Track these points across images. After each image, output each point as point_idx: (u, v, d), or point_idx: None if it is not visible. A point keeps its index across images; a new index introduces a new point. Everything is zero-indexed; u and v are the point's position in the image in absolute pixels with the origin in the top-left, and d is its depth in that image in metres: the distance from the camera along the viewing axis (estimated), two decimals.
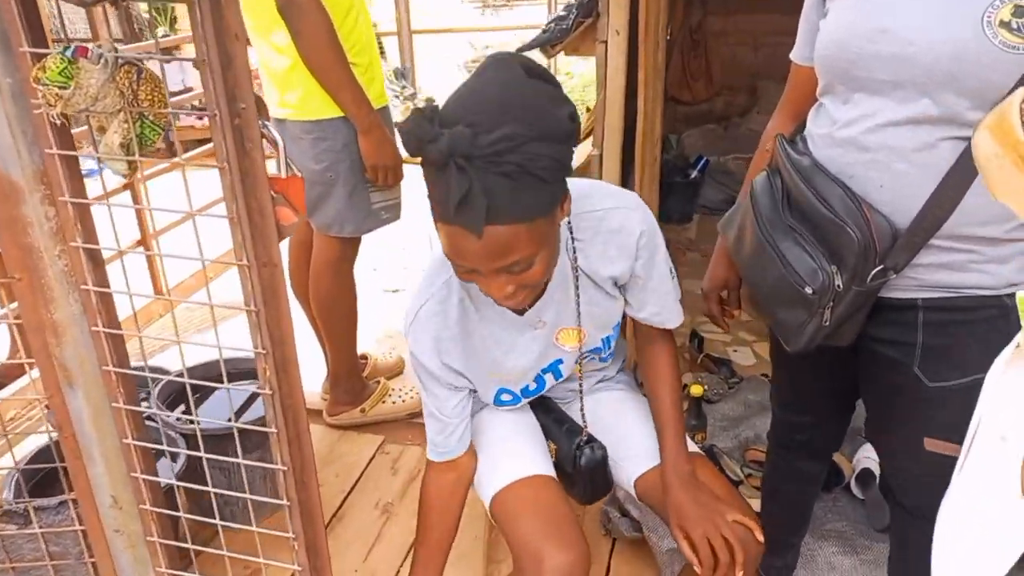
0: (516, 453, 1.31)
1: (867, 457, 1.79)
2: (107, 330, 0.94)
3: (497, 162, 0.89)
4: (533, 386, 1.32)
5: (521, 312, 1.18)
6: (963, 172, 0.98)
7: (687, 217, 3.68)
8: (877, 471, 1.76)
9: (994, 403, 0.79)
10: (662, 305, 1.25)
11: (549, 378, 1.32)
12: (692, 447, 1.32)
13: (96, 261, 0.94)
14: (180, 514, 1.05)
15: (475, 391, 1.29)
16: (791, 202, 1.13)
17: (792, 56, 1.22)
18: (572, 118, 0.95)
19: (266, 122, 0.93)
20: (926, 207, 1.01)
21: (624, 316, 1.32)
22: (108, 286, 0.97)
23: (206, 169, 0.89)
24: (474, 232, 0.91)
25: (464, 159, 0.88)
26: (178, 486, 1.10)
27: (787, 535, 1.52)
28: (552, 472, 1.31)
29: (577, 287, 1.19)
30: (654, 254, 1.21)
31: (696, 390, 1.94)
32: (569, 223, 1.15)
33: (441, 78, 6.47)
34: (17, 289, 0.92)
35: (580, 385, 1.34)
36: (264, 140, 0.90)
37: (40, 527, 1.14)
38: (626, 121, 2.09)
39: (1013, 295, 1.06)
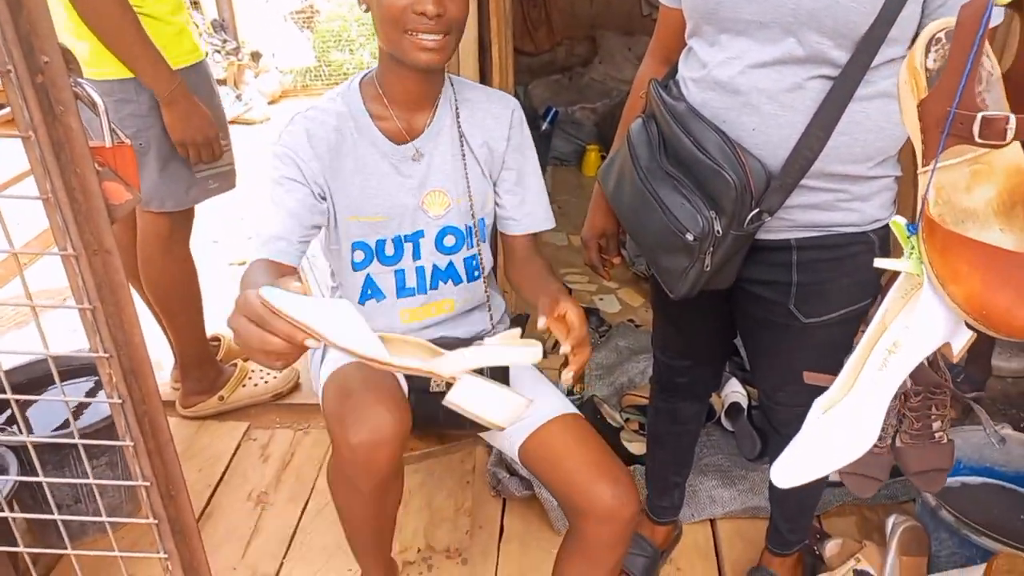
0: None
1: (734, 391, 1.88)
2: None
3: None
4: (391, 250, 1.30)
5: (398, 143, 1.24)
6: (830, 110, 1.00)
7: (542, 168, 3.67)
8: (744, 404, 1.85)
9: (886, 329, 0.82)
10: (536, 203, 1.34)
11: (408, 252, 1.30)
12: (569, 408, 1.29)
13: None
14: (21, 549, 0.89)
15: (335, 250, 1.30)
16: (667, 149, 1.11)
17: None
18: None
19: (80, 80, 0.77)
20: (796, 148, 1.02)
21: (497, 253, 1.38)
22: None
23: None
24: None
25: None
26: (13, 517, 0.93)
27: (672, 475, 1.56)
28: None
29: (463, 149, 1.27)
30: (526, 142, 1.33)
31: None
32: (452, 85, 1.29)
33: (266, 30, 6.01)
34: None
35: (490, 313, 1.37)
36: (79, 101, 0.74)
37: None
38: (483, 75, 2.03)
39: (877, 230, 1.11)
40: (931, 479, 0.92)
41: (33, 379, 1.75)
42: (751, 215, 1.05)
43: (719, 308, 1.28)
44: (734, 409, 1.88)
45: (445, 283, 1.34)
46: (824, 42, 0.98)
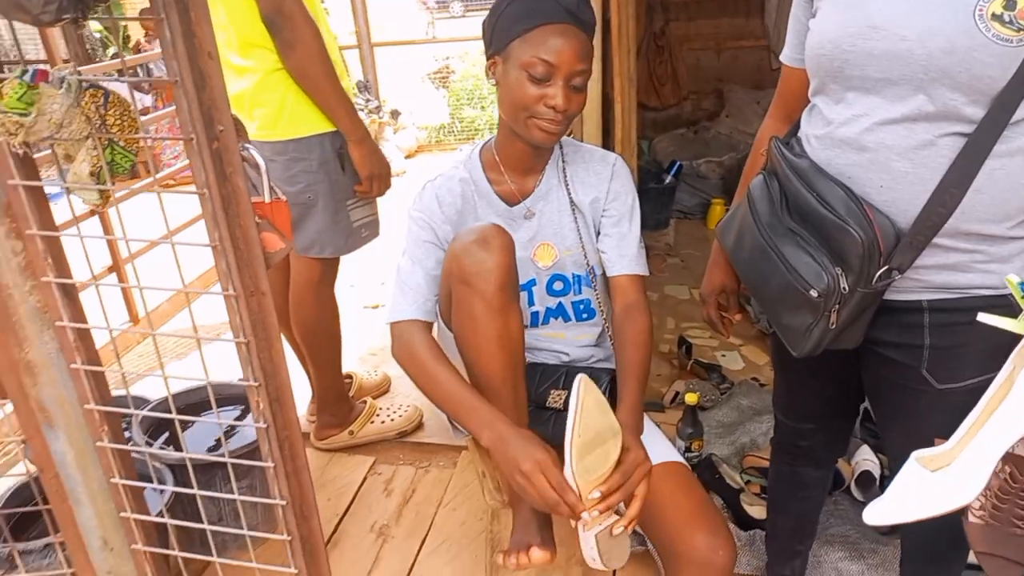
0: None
1: (865, 459, 1.78)
2: (87, 367, 0.89)
3: None
4: None
5: (512, 204, 1.39)
6: (964, 168, 0.97)
7: (664, 223, 3.67)
8: (877, 473, 1.75)
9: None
10: (630, 246, 1.39)
11: (523, 299, 1.41)
12: (675, 456, 1.34)
13: (70, 296, 0.88)
14: (176, 553, 0.99)
15: None
16: (790, 205, 1.11)
17: (782, 58, 1.21)
18: None
19: (247, 144, 0.88)
20: (929, 205, 0.99)
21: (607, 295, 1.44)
22: (84, 320, 0.92)
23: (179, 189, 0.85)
24: (584, 23, 1.23)
25: None
26: (169, 523, 1.04)
27: (793, 543, 1.50)
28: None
29: (572, 206, 1.38)
30: (625, 192, 1.40)
31: (691, 398, 1.92)
32: (562, 148, 1.41)
33: (404, 90, 6.43)
34: None
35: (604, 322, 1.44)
36: (245, 163, 0.85)
37: (27, 571, 1.08)
38: (606, 131, 2.08)
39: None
40: (1003, 567, 0.85)
41: (189, 405, 1.94)
42: (879, 273, 1.02)
43: (845, 370, 1.24)
44: (865, 478, 1.77)
45: (556, 319, 1.44)
46: (957, 98, 0.96)
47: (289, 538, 0.92)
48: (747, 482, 1.87)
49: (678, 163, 3.81)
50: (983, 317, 0.75)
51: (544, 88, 1.22)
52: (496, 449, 1.13)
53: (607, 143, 2.10)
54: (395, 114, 5.97)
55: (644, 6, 4.05)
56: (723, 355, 2.56)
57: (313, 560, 0.95)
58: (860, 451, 1.81)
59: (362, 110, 5.64)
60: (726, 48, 4.39)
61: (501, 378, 1.20)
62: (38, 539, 1.23)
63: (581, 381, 1.10)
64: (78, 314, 0.91)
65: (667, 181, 3.68)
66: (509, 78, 1.24)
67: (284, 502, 0.90)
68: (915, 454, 0.83)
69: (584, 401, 1.09)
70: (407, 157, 5.79)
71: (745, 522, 1.75)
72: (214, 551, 0.95)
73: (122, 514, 0.96)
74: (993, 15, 0.92)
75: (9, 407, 0.93)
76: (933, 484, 0.79)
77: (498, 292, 1.18)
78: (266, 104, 1.78)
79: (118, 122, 0.83)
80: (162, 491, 1.66)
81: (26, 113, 0.75)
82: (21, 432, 0.93)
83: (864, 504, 1.77)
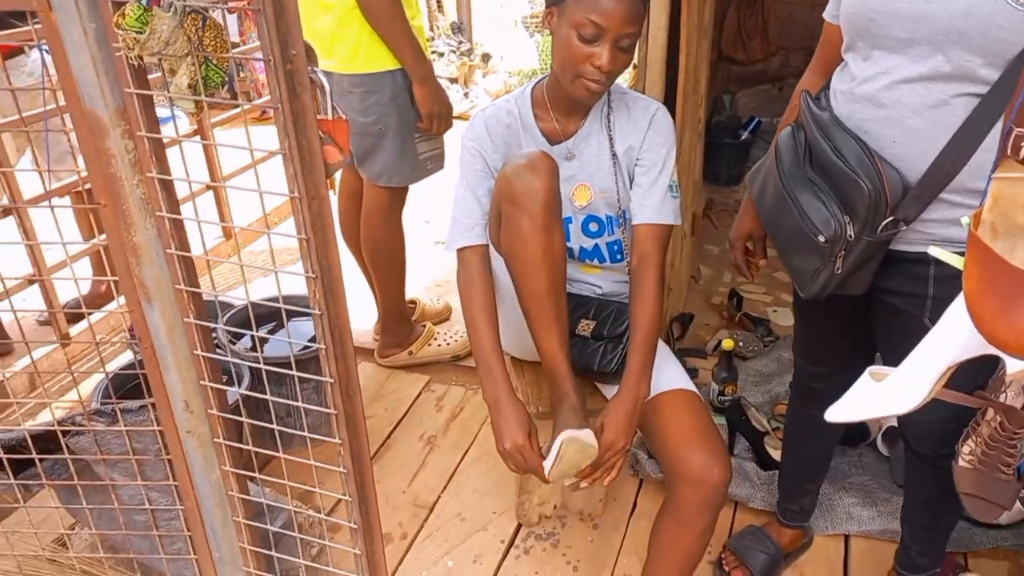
0: None
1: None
2: (179, 253, 1.07)
3: None
4: None
5: (553, 143, 1.45)
6: (975, 128, 1.02)
7: (736, 179, 3.65)
8: None
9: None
10: (654, 196, 1.43)
11: None
12: (684, 384, 1.43)
13: (169, 191, 1.05)
14: (243, 419, 1.18)
15: None
16: (812, 156, 1.18)
17: (824, 15, 1.26)
18: None
19: (315, 68, 1.03)
20: (938, 161, 1.05)
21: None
22: (180, 214, 1.09)
23: (269, 124, 1.00)
24: None
25: None
26: (242, 394, 1.23)
27: (805, 481, 1.58)
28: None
29: (612, 150, 1.44)
30: (661, 141, 1.43)
31: (727, 344, 2.00)
32: (609, 93, 1.43)
33: (498, 34, 6.46)
34: (103, 214, 1.05)
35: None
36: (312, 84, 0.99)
37: (125, 426, 1.30)
38: (673, 81, 2.11)
39: None
40: (985, 508, 0.93)
41: (269, 312, 2.15)
42: (885, 223, 1.08)
43: (858, 318, 1.30)
44: (892, 433, 1.83)
45: (592, 261, 1.52)
46: (973, 60, 1.00)
47: (335, 412, 1.09)
48: (775, 428, 1.95)
49: (757, 119, 3.77)
50: (933, 251, 0.82)
51: (592, 48, 1.27)
52: (492, 410, 1.35)
53: (670, 92, 2.13)
54: (486, 57, 6.03)
55: None
56: (774, 311, 2.60)
57: (355, 433, 1.12)
58: None
59: (453, 51, 5.74)
60: (820, 4, 4.24)
61: (545, 290, 1.31)
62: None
63: (562, 442, 1.25)
64: (174, 209, 1.08)
65: (743, 137, 3.66)
66: (561, 33, 1.30)
67: (332, 380, 1.06)
68: (869, 369, 0.92)
69: (564, 456, 1.26)
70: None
71: (767, 463, 1.84)
72: (276, 432, 1.13)
73: (201, 382, 1.15)
74: None
75: (122, 299, 1.13)
76: (879, 392, 0.88)
77: (543, 211, 1.28)
78: (345, 39, 1.91)
79: (212, 43, 0.99)
80: (238, 382, 1.89)
81: (141, 31, 0.91)
82: (128, 308, 1.12)
83: (888, 459, 1.83)
